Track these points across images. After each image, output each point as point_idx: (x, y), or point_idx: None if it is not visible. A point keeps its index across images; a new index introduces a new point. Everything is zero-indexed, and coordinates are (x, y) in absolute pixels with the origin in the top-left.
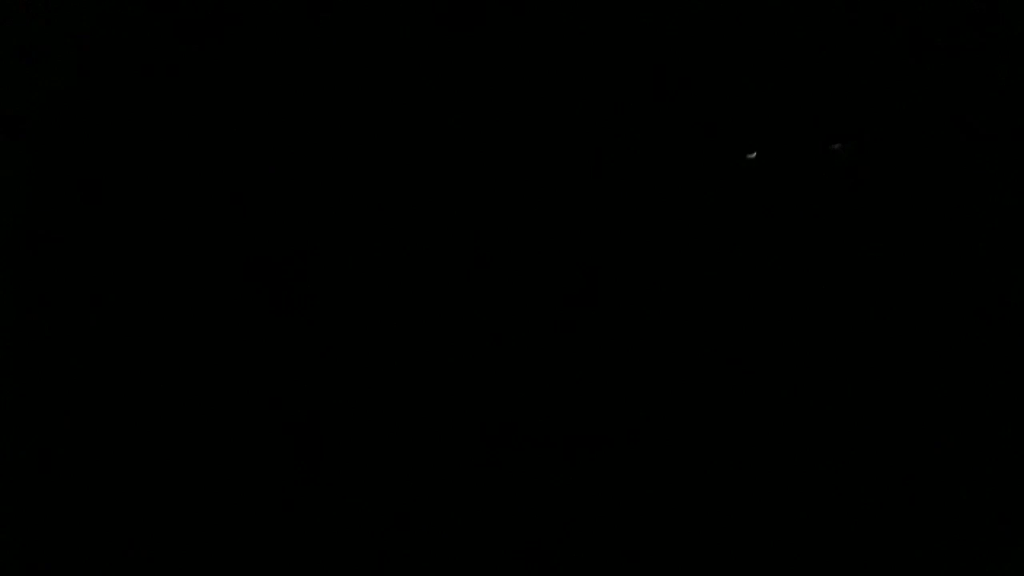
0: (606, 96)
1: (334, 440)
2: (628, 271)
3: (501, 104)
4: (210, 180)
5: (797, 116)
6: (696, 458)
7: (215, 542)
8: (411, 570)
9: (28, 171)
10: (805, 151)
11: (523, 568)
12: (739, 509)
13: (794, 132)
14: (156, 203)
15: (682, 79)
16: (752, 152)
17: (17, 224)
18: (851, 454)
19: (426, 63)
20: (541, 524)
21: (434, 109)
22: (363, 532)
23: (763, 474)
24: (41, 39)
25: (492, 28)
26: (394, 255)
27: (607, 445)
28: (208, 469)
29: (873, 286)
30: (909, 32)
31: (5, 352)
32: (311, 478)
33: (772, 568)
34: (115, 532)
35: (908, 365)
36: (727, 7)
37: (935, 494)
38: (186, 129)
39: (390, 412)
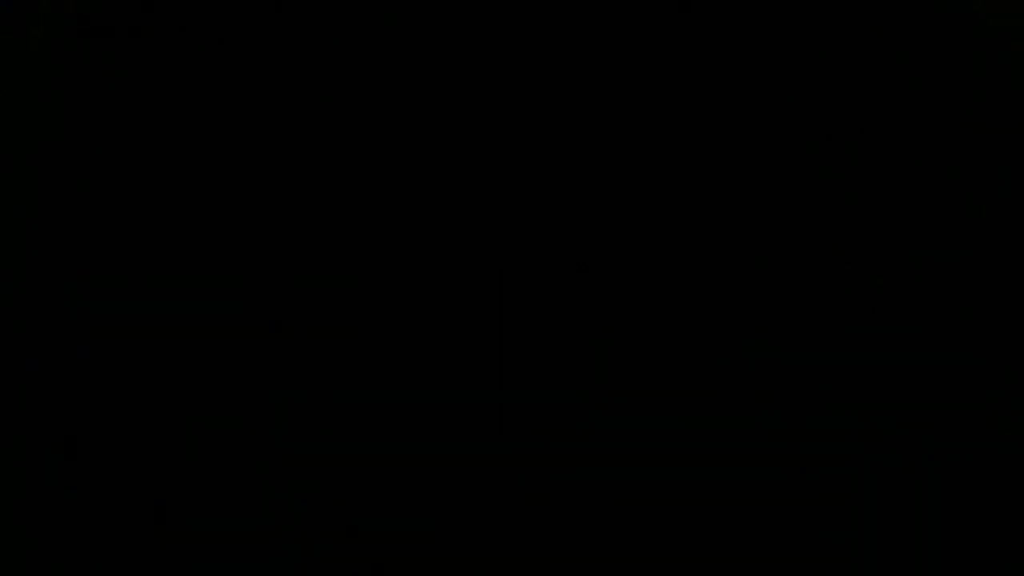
0: (605, 96)
1: (333, 439)
2: (628, 271)
3: (501, 104)
4: (210, 180)
5: (795, 116)
6: (695, 458)
7: (215, 542)
8: (410, 570)
9: (29, 172)
10: (805, 152)
11: (522, 568)
12: (739, 510)
13: (792, 132)
14: (156, 203)
15: (681, 79)
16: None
17: (19, 224)
18: (850, 455)
19: (426, 63)
20: (540, 524)
21: (434, 109)
22: (362, 532)
23: (761, 475)
24: (40, 39)
25: (491, 28)
26: (393, 255)
27: (606, 445)
28: (208, 469)
29: (872, 286)
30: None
31: (7, 352)
32: (310, 478)
33: (772, 568)
34: (116, 532)
35: (907, 366)
36: (727, 7)
37: (935, 496)
38: (186, 129)
39: (389, 411)
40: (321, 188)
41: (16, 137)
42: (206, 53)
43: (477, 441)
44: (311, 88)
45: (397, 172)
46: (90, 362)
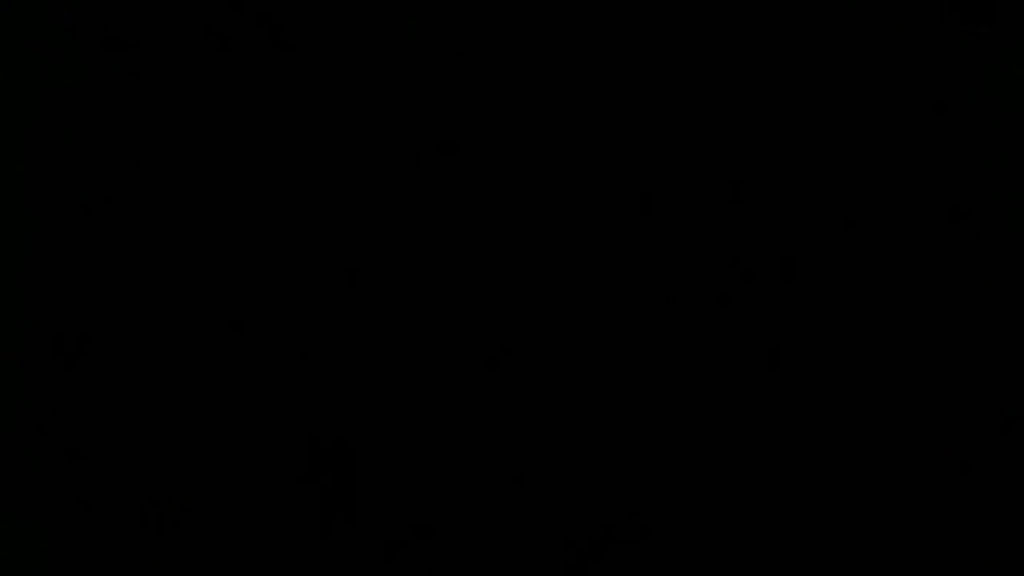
0: (604, 96)
1: (334, 441)
2: (627, 272)
3: (501, 104)
4: (209, 180)
5: (795, 116)
6: (695, 460)
7: (216, 543)
8: (410, 570)
9: (30, 171)
10: (803, 151)
11: (522, 568)
12: (738, 510)
13: (792, 131)
14: (157, 204)
15: (681, 79)
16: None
17: (20, 225)
18: (850, 455)
19: (426, 63)
20: (540, 525)
21: (434, 109)
22: (363, 532)
23: (762, 475)
24: (42, 38)
25: (491, 28)
26: (392, 256)
27: (605, 446)
28: (209, 470)
29: (871, 286)
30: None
31: (10, 354)
32: (311, 479)
33: (771, 568)
34: (117, 533)
35: (907, 366)
36: (726, 7)
37: (934, 494)
38: (186, 129)
39: (389, 413)
40: (320, 188)
41: (15, 137)
42: (206, 53)
43: (476, 440)
44: (311, 88)
45: (396, 172)
46: (90, 362)
